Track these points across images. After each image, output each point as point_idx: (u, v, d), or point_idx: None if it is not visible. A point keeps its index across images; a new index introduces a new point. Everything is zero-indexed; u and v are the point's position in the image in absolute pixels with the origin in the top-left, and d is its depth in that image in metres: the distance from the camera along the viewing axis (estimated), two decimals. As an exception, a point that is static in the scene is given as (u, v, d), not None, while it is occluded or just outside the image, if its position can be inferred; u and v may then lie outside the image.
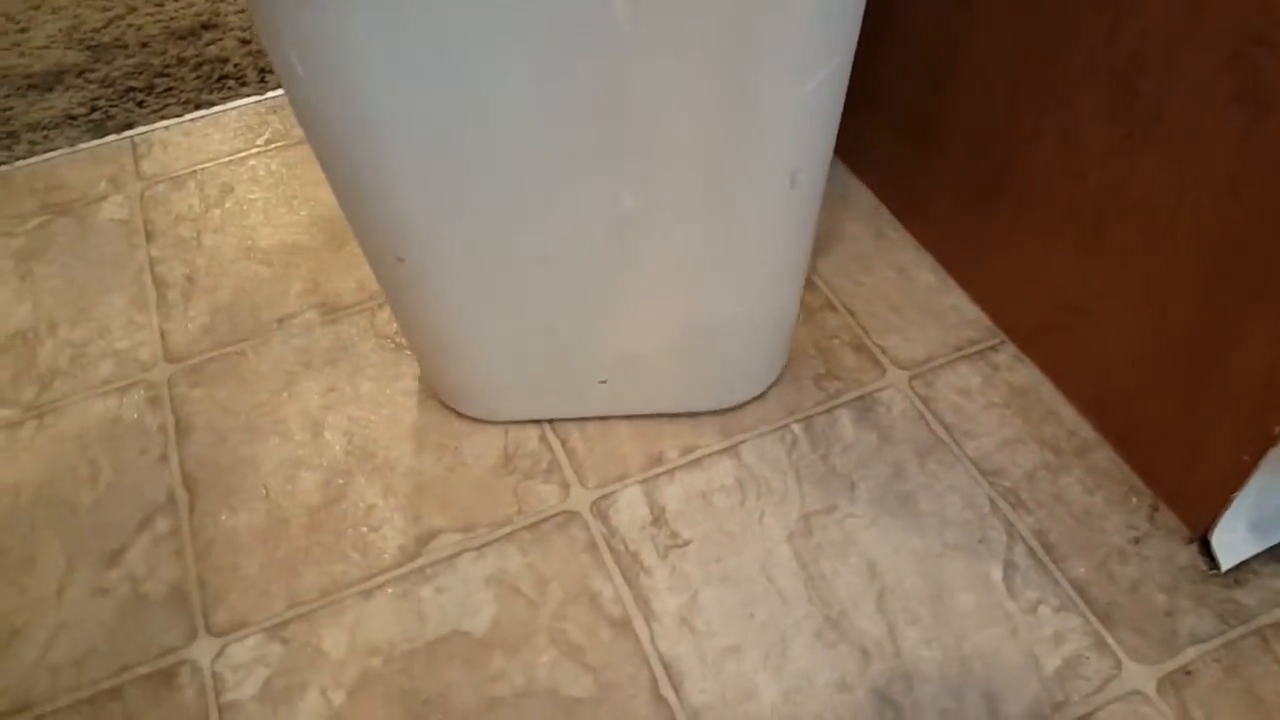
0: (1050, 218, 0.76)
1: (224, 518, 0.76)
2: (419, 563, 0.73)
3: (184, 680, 0.68)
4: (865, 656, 0.67)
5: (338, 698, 0.66)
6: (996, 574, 0.71)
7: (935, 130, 0.85)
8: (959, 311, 0.88)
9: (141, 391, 0.84)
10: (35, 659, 0.70)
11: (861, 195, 0.99)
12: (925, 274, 0.92)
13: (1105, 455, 0.78)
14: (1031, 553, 0.72)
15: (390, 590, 0.72)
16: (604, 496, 0.77)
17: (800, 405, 0.82)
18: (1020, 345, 0.85)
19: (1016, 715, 0.64)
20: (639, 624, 0.70)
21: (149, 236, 0.97)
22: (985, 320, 0.87)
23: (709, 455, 0.79)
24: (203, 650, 0.69)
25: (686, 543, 0.74)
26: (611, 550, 0.74)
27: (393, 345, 0.87)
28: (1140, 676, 0.66)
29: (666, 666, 0.67)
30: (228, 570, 0.73)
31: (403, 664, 0.68)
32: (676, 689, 0.66)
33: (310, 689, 0.67)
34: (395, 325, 0.88)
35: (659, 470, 0.78)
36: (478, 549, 0.74)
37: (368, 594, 0.71)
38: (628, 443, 0.80)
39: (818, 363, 0.85)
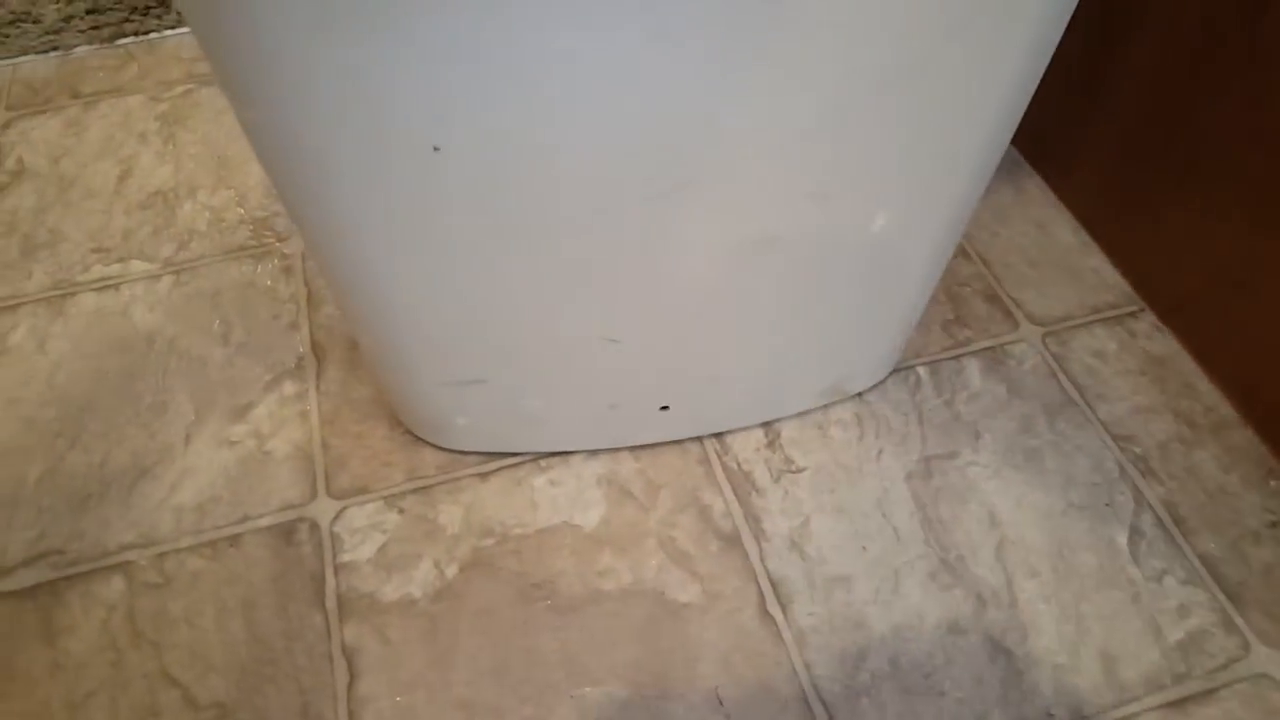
0: (1221, 186, 0.72)
1: (350, 389, 0.77)
2: (533, 454, 0.74)
3: (302, 536, 0.70)
4: (980, 603, 0.66)
5: (450, 571, 0.68)
6: (1121, 539, 0.69)
7: (1100, 84, 0.82)
8: (1099, 274, 0.85)
9: (275, 261, 0.86)
10: (161, 499, 0.72)
11: (1006, 149, 0.96)
12: (1065, 233, 0.89)
13: (1243, 435, 0.75)
14: (1160, 523, 0.70)
15: (505, 476, 0.72)
16: (721, 415, 0.76)
17: (926, 349, 0.80)
18: (1161, 315, 0.82)
19: (1134, 680, 0.63)
20: (748, 541, 0.69)
21: (291, 113, 0.98)
22: (1126, 286, 0.84)
23: (831, 387, 0.78)
24: (322, 510, 0.71)
25: (801, 470, 0.73)
26: (724, 467, 0.73)
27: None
28: (1270, 661, 0.63)
29: (775, 586, 0.67)
30: (351, 438, 0.74)
31: (514, 547, 0.69)
32: (784, 608, 0.66)
33: (424, 560, 0.68)
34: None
35: (779, 396, 0.77)
36: (591, 450, 0.74)
37: (484, 477, 0.72)
38: (749, 366, 0.79)
39: (947, 308, 0.83)
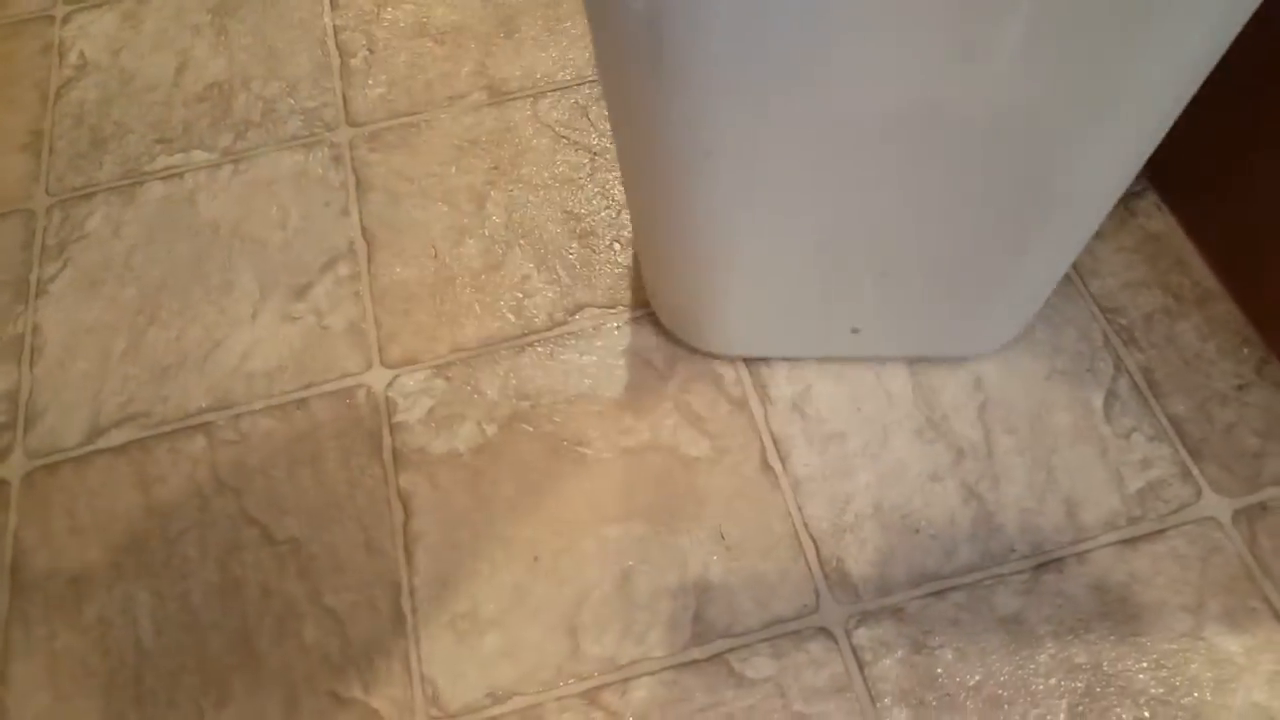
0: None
1: (398, 270, 0.85)
2: (566, 329, 0.81)
3: (360, 400, 0.79)
4: (959, 455, 0.74)
5: (491, 430, 0.77)
6: (1098, 400, 0.76)
7: None
8: (1103, 155, 0.89)
9: (326, 150, 0.93)
10: (234, 367, 0.81)
11: None
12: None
13: (1225, 307, 0.80)
14: (1135, 387, 0.76)
15: (539, 349, 0.80)
16: (735, 290, 0.83)
17: (931, 227, 0.85)
18: (1162, 193, 0.86)
19: (1092, 523, 0.70)
20: (755, 404, 0.77)
21: (333, 5, 1.04)
22: (1128, 166, 0.88)
23: (837, 264, 0.84)
24: (377, 378, 0.80)
25: (807, 340, 0.80)
26: (737, 338, 0.80)
27: (551, 133, 0.92)
28: (1217, 506, 0.71)
29: (776, 442, 0.75)
30: (400, 315, 0.82)
31: (547, 410, 0.77)
32: (783, 460, 0.74)
33: (468, 420, 0.77)
34: (555, 115, 0.93)
35: (788, 273, 0.84)
36: (618, 326, 0.82)
37: (520, 349, 0.80)
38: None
39: (954, 190, 0.87)
